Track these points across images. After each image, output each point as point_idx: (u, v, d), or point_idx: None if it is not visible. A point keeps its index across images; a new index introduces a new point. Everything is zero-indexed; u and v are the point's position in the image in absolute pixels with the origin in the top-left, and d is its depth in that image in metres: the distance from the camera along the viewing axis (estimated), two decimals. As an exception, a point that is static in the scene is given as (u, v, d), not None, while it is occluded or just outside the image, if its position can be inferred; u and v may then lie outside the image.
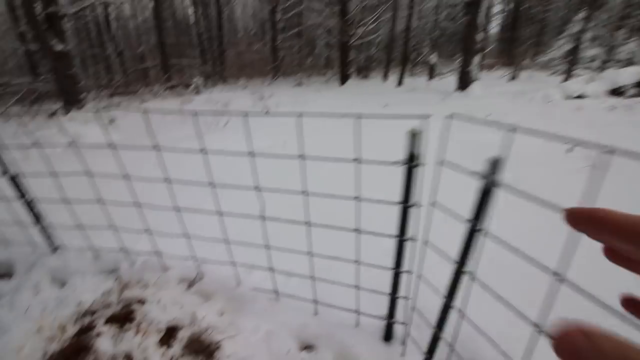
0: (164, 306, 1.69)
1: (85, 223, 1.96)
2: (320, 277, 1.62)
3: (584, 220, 0.22)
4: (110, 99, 10.11)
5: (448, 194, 1.59)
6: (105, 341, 1.49)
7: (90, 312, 1.68)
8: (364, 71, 17.86)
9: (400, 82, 11.97)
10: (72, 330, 1.58)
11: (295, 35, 19.12)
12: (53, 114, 8.26)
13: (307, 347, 1.58)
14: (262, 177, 1.47)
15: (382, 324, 1.59)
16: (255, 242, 1.68)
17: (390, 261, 1.50)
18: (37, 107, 8.92)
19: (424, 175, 1.16)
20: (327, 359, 1.51)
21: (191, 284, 1.86)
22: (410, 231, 1.27)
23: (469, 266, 1.11)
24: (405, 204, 1.21)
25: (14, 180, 1.88)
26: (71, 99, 8.57)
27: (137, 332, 1.56)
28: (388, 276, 1.44)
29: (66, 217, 2.06)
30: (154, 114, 6.86)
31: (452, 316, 1.23)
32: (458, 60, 9.83)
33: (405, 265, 1.37)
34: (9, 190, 1.91)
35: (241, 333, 1.57)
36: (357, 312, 1.60)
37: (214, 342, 1.53)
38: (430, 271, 1.45)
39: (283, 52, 19.23)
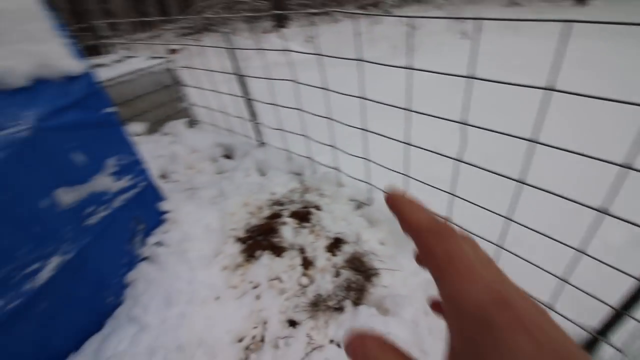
0: (334, 218, 1.81)
1: (284, 127, 2.22)
2: (509, 250, 1.32)
3: (392, 204, 0.24)
4: (309, 18, 10.91)
5: None
6: (287, 230, 1.75)
7: (279, 202, 1.99)
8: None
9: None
10: (266, 212, 1.93)
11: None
12: (266, 32, 9.68)
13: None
14: (461, 113, 1.18)
15: (579, 331, 1.22)
16: (437, 184, 1.49)
17: (613, 260, 1.04)
18: (256, 25, 10.61)
19: None
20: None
21: (360, 205, 1.91)
22: None
23: None
24: None
25: (241, 80, 2.25)
26: (280, 18, 9.73)
27: (311, 232, 1.75)
28: (605, 276, 1.01)
29: (271, 118, 2.39)
30: (346, 34, 6.99)
31: None
32: None
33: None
34: (237, 89, 2.33)
35: (401, 270, 1.52)
36: (549, 307, 1.26)
37: (373, 267, 1.55)
38: None
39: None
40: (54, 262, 1.24)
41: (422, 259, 0.22)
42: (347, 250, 1.65)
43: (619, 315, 1.05)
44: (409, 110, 1.35)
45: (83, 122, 1.33)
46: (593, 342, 1.14)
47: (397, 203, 0.23)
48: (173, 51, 6.98)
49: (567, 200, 1.04)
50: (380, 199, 1.87)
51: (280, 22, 9.73)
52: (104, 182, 1.40)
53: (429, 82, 3.62)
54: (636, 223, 0.92)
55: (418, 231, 0.22)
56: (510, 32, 5.81)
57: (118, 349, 1.30)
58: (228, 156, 2.65)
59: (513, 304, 0.17)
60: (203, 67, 2.52)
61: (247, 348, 1.33)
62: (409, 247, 1.66)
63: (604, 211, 0.96)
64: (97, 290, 1.43)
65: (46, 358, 1.29)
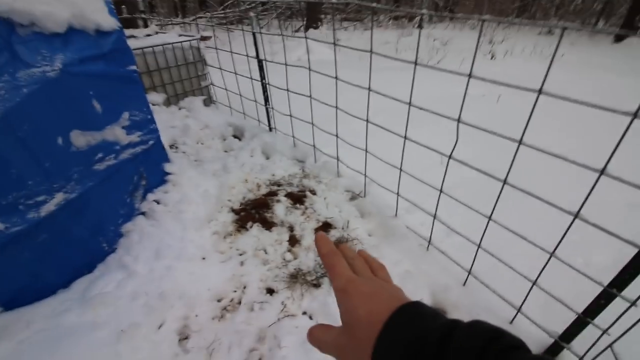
0: (328, 204, 1.87)
1: (294, 114, 2.29)
2: (489, 250, 1.35)
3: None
4: (341, 24, 11.07)
5: None
6: (280, 208, 1.82)
7: (278, 183, 2.06)
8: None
9: None
10: (263, 190, 2.00)
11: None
12: (297, 30, 9.88)
13: (441, 310, 1.44)
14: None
15: (545, 337, 1.24)
16: (430, 182, 1.53)
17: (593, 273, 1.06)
18: (288, 23, 10.84)
19: None
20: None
21: (354, 197, 1.96)
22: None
23: None
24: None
25: (261, 64, 2.35)
26: (311, 19, 9.91)
27: (303, 214, 1.81)
28: (579, 285, 1.03)
29: (285, 106, 2.46)
30: (375, 42, 7.06)
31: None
32: None
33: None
34: (256, 73, 2.42)
35: (382, 259, 1.57)
36: (518, 309, 1.28)
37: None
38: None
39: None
40: (58, 198, 1.33)
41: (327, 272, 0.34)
42: (334, 234, 1.70)
43: (582, 322, 1.07)
44: (411, 105, 1.41)
45: (107, 74, 1.44)
46: (555, 346, 1.17)
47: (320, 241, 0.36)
48: (204, 38, 7.20)
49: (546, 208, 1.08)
50: (374, 192, 1.92)
51: (312, 23, 9.90)
52: (116, 133, 1.49)
53: (438, 93, 3.67)
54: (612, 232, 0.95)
55: (322, 256, 0.34)
56: (536, 58, 5.83)
57: (104, 290, 1.38)
58: (237, 137, 2.74)
59: (356, 281, 0.31)
60: (229, 51, 2.63)
61: (224, 308, 1.39)
62: (395, 239, 1.70)
63: (576, 215, 1.00)
64: (93, 234, 1.51)
65: (38, 288, 1.37)
